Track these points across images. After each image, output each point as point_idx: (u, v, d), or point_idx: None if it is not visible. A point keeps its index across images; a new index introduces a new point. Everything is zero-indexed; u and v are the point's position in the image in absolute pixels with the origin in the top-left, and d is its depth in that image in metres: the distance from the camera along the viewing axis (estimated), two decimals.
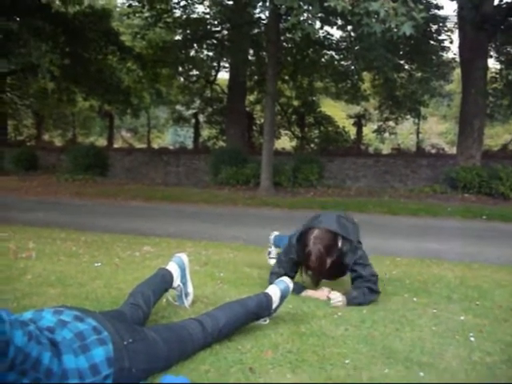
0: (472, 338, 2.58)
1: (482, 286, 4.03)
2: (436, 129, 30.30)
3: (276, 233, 4.74)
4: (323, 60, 17.28)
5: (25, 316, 1.86)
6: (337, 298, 3.21)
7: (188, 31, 16.79)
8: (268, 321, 2.71)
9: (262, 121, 16.97)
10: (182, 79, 20.14)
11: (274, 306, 2.72)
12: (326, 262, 3.19)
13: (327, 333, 2.60)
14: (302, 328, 2.66)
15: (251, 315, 2.59)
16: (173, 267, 2.92)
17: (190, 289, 3.06)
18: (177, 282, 2.91)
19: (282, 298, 2.77)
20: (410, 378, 2.04)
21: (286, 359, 2.22)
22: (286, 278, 2.90)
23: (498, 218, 10.56)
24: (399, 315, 2.98)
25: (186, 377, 2.01)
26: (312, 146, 19.27)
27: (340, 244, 3.29)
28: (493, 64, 16.12)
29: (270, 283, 3.01)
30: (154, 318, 2.68)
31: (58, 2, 17.24)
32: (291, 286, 2.86)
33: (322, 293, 3.36)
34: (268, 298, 2.69)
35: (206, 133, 21.49)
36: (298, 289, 3.39)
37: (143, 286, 2.69)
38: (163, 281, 2.82)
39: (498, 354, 2.39)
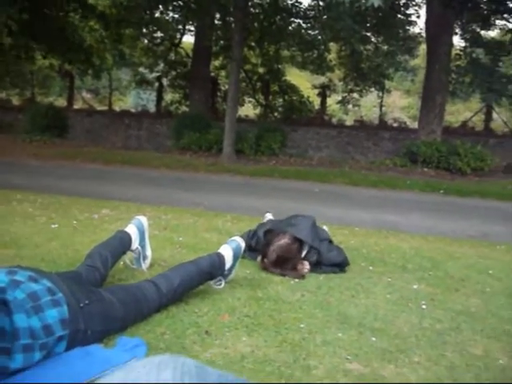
0: (424, 306, 2.66)
1: (436, 258, 4.14)
2: (399, 103, 30.60)
3: (269, 215, 4.53)
4: (290, 28, 17.08)
5: None
6: (304, 264, 3.25)
7: None
8: (223, 284, 2.72)
9: (227, 87, 16.78)
10: (146, 41, 19.63)
11: (228, 265, 2.73)
12: (277, 269, 3.18)
13: (284, 298, 2.63)
14: (259, 293, 2.69)
15: (205, 274, 2.60)
16: (132, 230, 2.89)
17: (149, 252, 3.05)
18: (135, 244, 2.89)
19: (235, 257, 2.78)
20: (362, 342, 2.09)
21: (242, 323, 2.24)
22: (237, 238, 2.91)
23: (455, 193, 10.81)
24: (355, 283, 3.04)
25: (141, 338, 2.01)
26: (276, 114, 19.20)
27: (305, 252, 3.30)
28: (458, 41, 16.34)
29: None
30: (111, 281, 2.66)
31: None
32: (243, 245, 2.87)
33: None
34: (220, 257, 2.70)
35: (169, 97, 21.12)
36: (254, 255, 3.43)
37: (101, 247, 2.66)
38: (121, 243, 2.80)
39: (448, 321, 2.46)
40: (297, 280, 3.00)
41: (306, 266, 3.23)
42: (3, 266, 2.56)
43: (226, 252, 2.75)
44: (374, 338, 2.14)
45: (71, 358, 1.85)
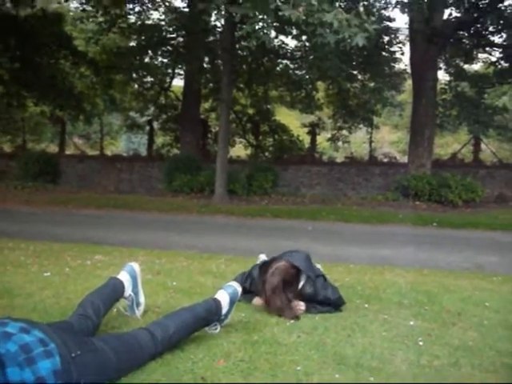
0: (421, 343, 2.64)
1: (432, 291, 4.12)
2: (388, 138, 30.94)
3: (263, 256, 4.33)
4: (278, 69, 17.41)
5: None
6: (298, 305, 3.21)
7: (143, 37, 16.59)
8: (219, 329, 2.69)
9: (217, 128, 16.94)
10: (136, 86, 19.89)
11: (224, 310, 2.71)
12: (278, 295, 3.09)
13: (279, 340, 2.60)
14: (255, 336, 2.66)
15: (201, 320, 2.58)
16: (124, 277, 2.88)
17: (142, 298, 3.02)
18: (128, 291, 2.87)
19: (232, 302, 2.77)
20: (360, 383, 2.07)
21: (237, 367, 2.21)
22: (234, 283, 2.90)
23: (448, 225, 10.85)
24: (351, 321, 3.02)
25: None
26: (267, 154, 19.33)
27: (302, 283, 3.27)
28: (442, 76, 16.64)
29: None
30: (104, 329, 2.63)
31: (8, 4, 16.80)
32: (239, 289, 2.86)
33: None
34: (217, 302, 2.68)
35: (160, 140, 21.27)
36: (249, 297, 3.39)
37: (93, 295, 2.64)
38: (114, 290, 2.78)
39: (446, 357, 2.44)
40: (292, 321, 2.98)
41: (301, 306, 3.21)
42: None
43: (223, 297, 2.73)
44: (371, 378, 2.12)
45: None
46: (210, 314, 2.62)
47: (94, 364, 1.96)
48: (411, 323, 3.04)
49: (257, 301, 3.33)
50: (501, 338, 2.80)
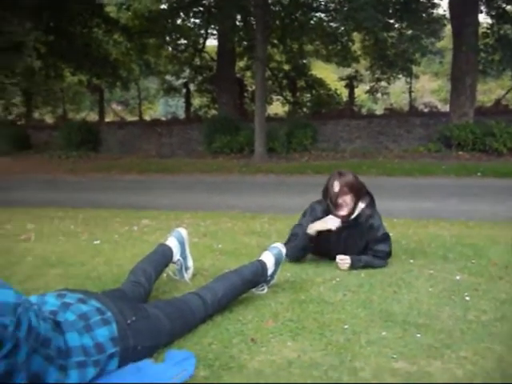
0: (467, 297, 2.64)
1: (478, 244, 4.08)
2: (429, 87, 30.09)
3: None
4: (312, 22, 17.03)
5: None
6: (344, 259, 3.24)
7: None
8: (266, 289, 2.75)
9: (253, 87, 16.83)
10: (170, 49, 19.85)
11: (270, 271, 2.76)
12: (356, 190, 3.27)
13: (326, 299, 2.64)
14: (302, 295, 2.71)
15: (248, 283, 2.64)
16: (172, 242, 2.95)
17: (190, 263, 3.10)
18: (176, 256, 2.95)
19: (277, 263, 2.82)
20: (407, 340, 2.10)
21: (286, 328, 2.27)
22: (278, 244, 2.94)
23: (493, 175, 10.63)
24: (396, 278, 3.03)
25: (189, 350, 2.06)
26: (305, 110, 19.16)
27: (364, 205, 3.35)
28: (484, 19, 15.95)
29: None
30: (155, 294, 2.72)
31: None
32: (284, 250, 2.90)
33: (330, 221, 3.27)
34: (262, 264, 2.74)
35: (197, 102, 21.30)
36: (303, 234, 3.36)
37: (144, 262, 2.73)
38: (163, 257, 2.86)
39: (493, 311, 2.44)
40: (338, 279, 3.01)
41: (347, 260, 3.23)
42: (52, 287, 2.67)
43: (268, 258, 2.78)
44: (418, 335, 2.14)
45: (123, 374, 1.91)
46: (257, 276, 2.68)
47: (148, 329, 2.04)
48: (457, 278, 3.03)
49: (312, 227, 3.34)
50: None
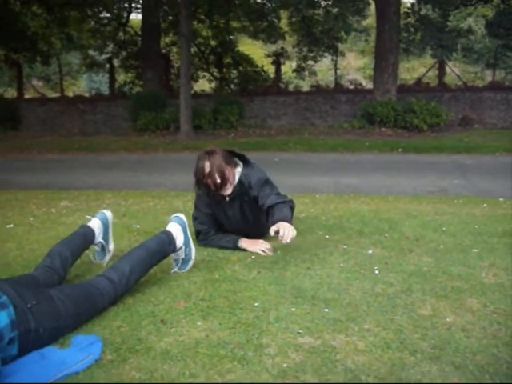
0: (377, 271, 2.70)
1: (394, 218, 4.20)
2: (355, 64, 30.63)
3: None
4: None
5: None
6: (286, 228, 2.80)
7: None
8: (189, 267, 2.79)
9: (179, 63, 16.57)
10: (92, 22, 19.20)
11: (180, 240, 2.73)
12: (222, 169, 3.11)
13: (240, 277, 2.65)
14: (216, 274, 2.70)
15: (155, 254, 2.59)
16: (96, 224, 2.87)
17: (111, 246, 3.03)
18: (98, 238, 2.87)
19: (184, 229, 2.78)
20: (315, 315, 2.13)
21: (197, 307, 2.25)
22: (178, 213, 2.89)
23: (413, 150, 10.99)
24: (311, 254, 3.06)
25: (97, 334, 2.02)
26: (231, 86, 19.07)
27: (241, 168, 3.25)
28: None
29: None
30: (67, 277, 2.63)
31: None
32: (185, 219, 2.85)
33: (259, 245, 3.19)
34: (167, 233, 2.70)
35: (121, 78, 20.75)
36: (234, 241, 3.27)
37: (61, 245, 2.63)
38: (84, 238, 2.77)
39: (400, 283, 2.52)
40: (253, 257, 3.02)
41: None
42: None
43: (172, 227, 2.75)
44: (326, 310, 2.18)
45: (26, 363, 1.85)
46: (164, 246, 2.64)
47: (50, 312, 1.98)
48: (370, 252, 3.10)
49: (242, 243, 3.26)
50: (454, 261, 2.88)
